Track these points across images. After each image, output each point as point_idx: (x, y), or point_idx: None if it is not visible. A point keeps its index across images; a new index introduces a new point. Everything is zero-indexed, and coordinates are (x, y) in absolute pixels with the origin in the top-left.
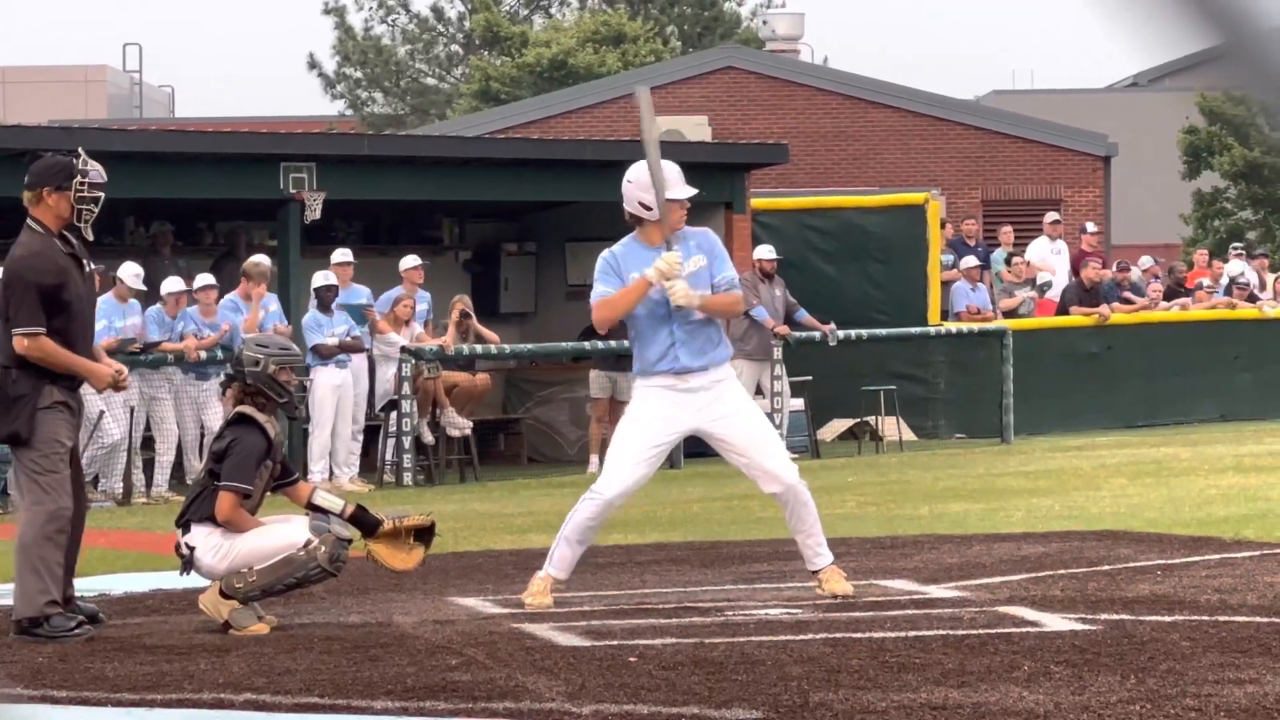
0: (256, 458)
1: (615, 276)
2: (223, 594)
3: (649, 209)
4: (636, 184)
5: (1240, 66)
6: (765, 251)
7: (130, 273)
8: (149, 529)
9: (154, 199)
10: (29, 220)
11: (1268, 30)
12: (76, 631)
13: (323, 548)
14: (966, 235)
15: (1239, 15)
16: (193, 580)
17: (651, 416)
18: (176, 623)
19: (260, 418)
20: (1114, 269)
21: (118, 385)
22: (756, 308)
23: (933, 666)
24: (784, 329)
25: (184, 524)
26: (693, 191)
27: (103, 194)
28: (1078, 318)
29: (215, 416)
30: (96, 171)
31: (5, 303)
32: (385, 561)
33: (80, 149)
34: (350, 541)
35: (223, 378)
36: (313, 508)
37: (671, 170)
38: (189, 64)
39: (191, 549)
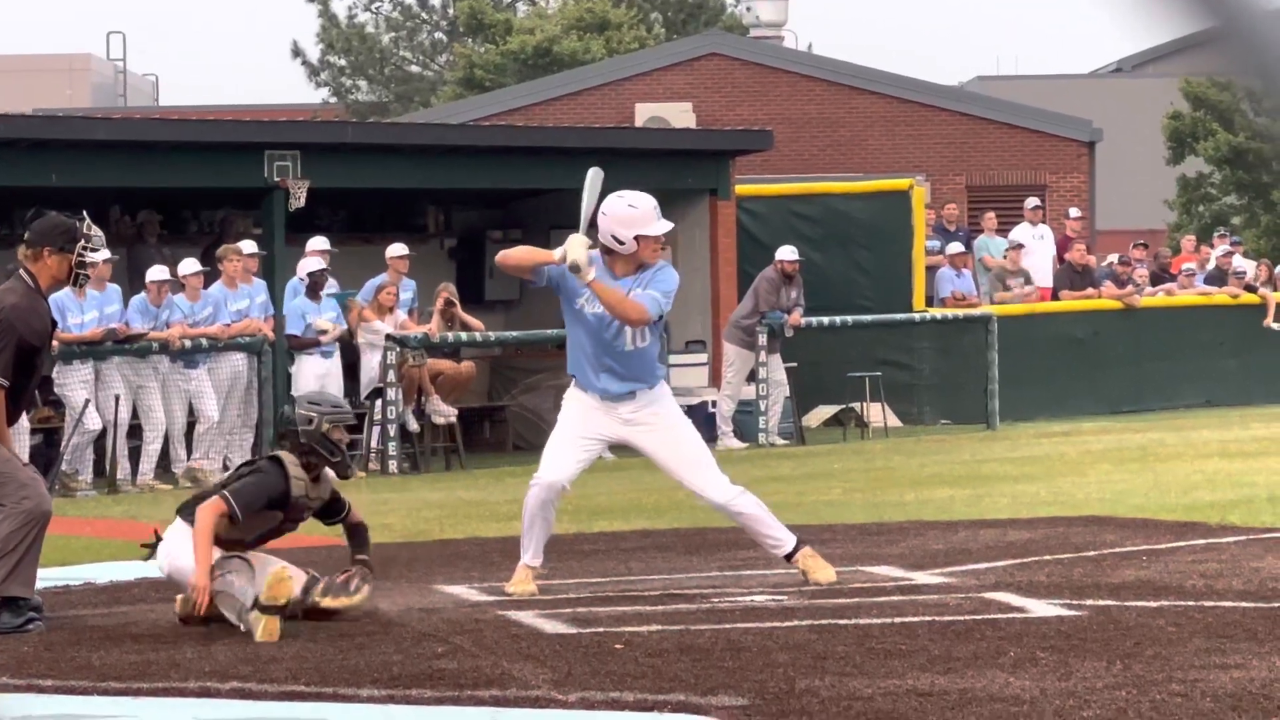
0: (267, 494)
1: (567, 284)
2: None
3: (621, 243)
4: (611, 218)
5: (1231, 50)
6: (788, 253)
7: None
8: (134, 517)
9: (138, 188)
10: (22, 272)
11: (1259, 14)
12: (28, 628)
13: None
14: (947, 220)
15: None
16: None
17: (578, 417)
18: (162, 611)
19: (292, 469)
20: (1116, 262)
21: None
22: (773, 313)
23: (919, 653)
24: (795, 316)
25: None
26: (668, 226)
27: (101, 260)
28: (1062, 303)
29: (209, 404)
30: (99, 238)
31: None
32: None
33: (84, 213)
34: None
35: (273, 437)
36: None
37: (647, 204)
38: (173, 52)
39: (160, 539)
